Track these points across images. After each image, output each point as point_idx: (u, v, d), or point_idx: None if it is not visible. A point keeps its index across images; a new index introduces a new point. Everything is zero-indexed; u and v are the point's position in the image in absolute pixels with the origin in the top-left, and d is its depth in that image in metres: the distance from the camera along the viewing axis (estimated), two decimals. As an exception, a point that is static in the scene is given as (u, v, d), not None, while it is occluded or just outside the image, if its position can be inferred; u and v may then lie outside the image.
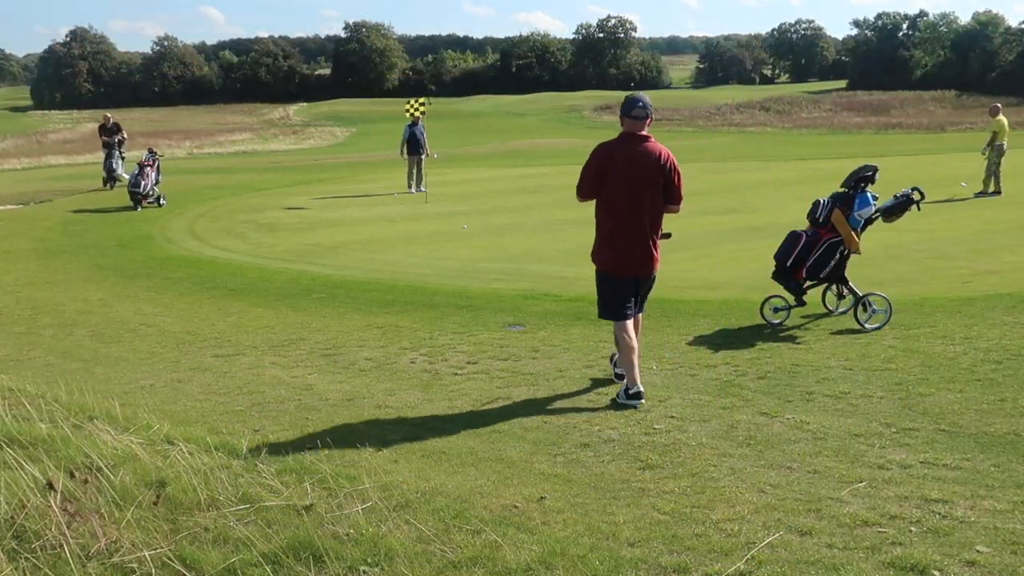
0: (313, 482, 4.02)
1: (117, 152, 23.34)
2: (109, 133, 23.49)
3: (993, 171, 17.28)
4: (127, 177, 22.09)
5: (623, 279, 5.82)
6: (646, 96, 5.82)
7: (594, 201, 5.86)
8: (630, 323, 5.83)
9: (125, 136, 24.09)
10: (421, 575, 3.21)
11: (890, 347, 6.89)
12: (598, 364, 6.76)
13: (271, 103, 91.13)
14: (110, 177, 23.16)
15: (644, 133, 5.70)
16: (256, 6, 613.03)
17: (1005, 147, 17.39)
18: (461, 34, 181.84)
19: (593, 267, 5.97)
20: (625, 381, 5.78)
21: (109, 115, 24.84)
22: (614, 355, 6.26)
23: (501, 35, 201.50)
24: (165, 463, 4.11)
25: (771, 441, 4.87)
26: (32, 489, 3.61)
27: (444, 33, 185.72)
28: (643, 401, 5.65)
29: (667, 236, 6.03)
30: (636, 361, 5.75)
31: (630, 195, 5.67)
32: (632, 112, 5.66)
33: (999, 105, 18.43)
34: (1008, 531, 3.60)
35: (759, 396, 5.79)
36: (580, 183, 5.82)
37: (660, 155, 5.67)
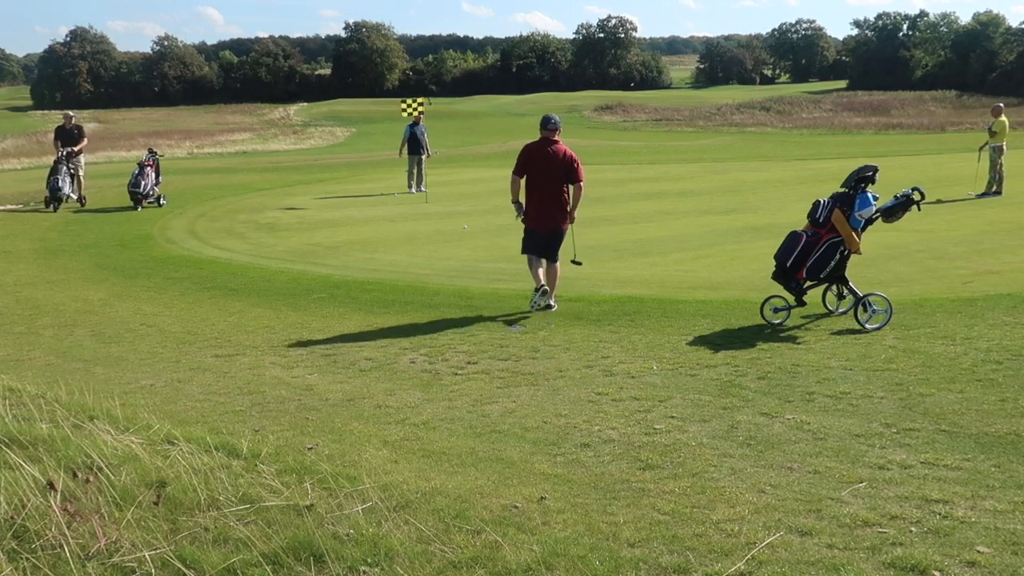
0: (313, 482, 4.01)
1: (65, 167, 18.33)
2: (67, 137, 18.55)
3: (997, 171, 17.29)
4: (74, 197, 18.75)
5: (538, 233, 8.77)
6: (556, 116, 8.91)
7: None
8: (535, 257, 8.80)
9: (84, 145, 19.12)
10: (421, 575, 3.21)
11: (890, 347, 6.89)
12: (598, 364, 6.76)
13: (271, 103, 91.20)
14: (54, 197, 18.07)
15: (554, 139, 8.68)
16: (256, 6, 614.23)
17: (1004, 147, 17.41)
18: (461, 34, 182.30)
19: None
20: (540, 285, 8.74)
21: (71, 115, 19.62)
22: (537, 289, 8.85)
23: (501, 35, 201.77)
24: (165, 463, 4.10)
25: (771, 441, 4.87)
26: (32, 489, 3.60)
27: (444, 33, 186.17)
28: (543, 291, 8.65)
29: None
30: (538, 274, 8.75)
31: (543, 178, 8.67)
32: (547, 126, 8.75)
33: (1001, 105, 18.44)
34: (1008, 531, 3.59)
35: (759, 396, 5.79)
36: (515, 168, 8.74)
37: (563, 152, 8.67)
